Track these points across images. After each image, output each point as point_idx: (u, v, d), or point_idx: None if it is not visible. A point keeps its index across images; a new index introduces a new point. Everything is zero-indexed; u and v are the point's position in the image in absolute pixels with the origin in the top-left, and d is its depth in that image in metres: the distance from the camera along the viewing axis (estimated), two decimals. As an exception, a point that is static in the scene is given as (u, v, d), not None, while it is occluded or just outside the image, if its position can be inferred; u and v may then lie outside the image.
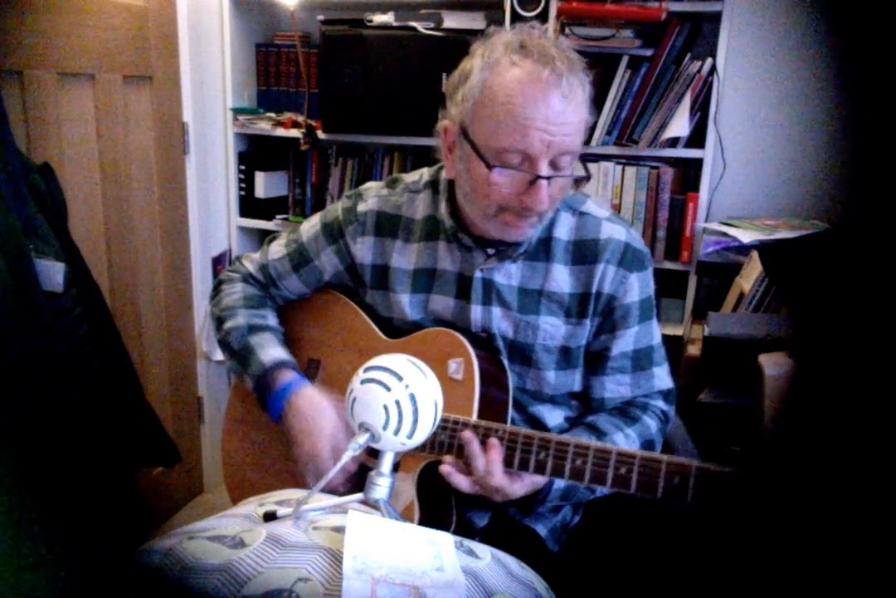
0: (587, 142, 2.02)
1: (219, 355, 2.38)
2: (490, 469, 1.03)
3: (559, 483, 1.10)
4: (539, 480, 1.06)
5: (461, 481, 1.05)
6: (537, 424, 1.21)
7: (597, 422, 1.17)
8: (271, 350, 1.23)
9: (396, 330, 1.24)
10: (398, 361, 0.83)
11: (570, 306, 1.16)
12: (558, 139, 0.99)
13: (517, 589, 0.77)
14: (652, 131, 2.00)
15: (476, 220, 1.13)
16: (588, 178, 1.08)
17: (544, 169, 1.01)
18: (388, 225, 1.24)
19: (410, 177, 1.27)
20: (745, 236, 1.84)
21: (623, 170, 2.06)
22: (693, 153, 2.02)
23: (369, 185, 1.30)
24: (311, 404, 1.18)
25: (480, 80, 1.02)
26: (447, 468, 1.05)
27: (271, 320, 1.31)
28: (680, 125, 1.96)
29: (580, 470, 1.00)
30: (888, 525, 0.60)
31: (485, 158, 1.03)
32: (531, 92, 0.98)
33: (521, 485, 1.05)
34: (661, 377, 1.22)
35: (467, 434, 1.05)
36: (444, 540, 0.78)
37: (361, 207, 1.25)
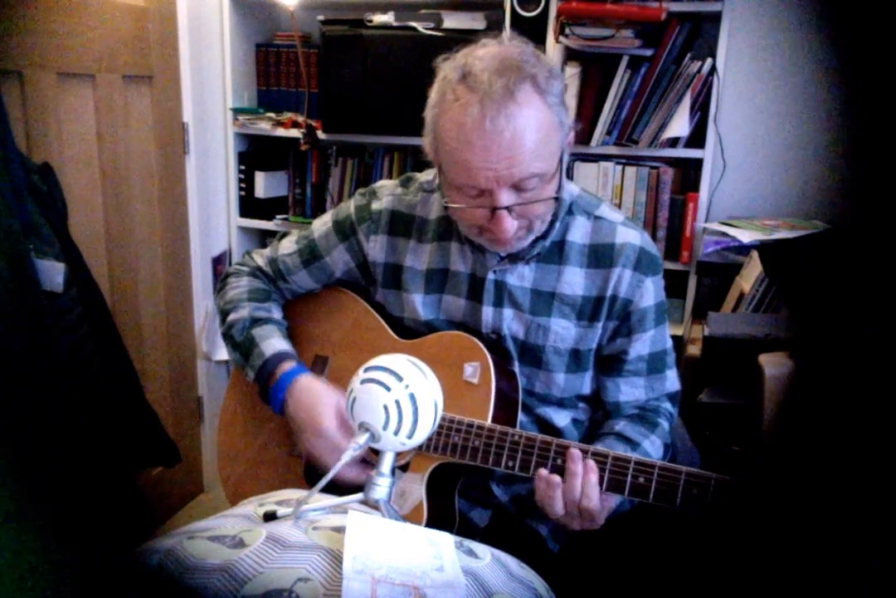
0: (587, 142, 2.03)
1: (219, 355, 2.38)
2: (589, 493, 1.00)
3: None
4: (608, 504, 1.03)
5: (557, 500, 1.01)
6: (545, 425, 1.21)
7: (625, 431, 1.17)
8: (273, 342, 1.24)
9: (407, 330, 1.24)
10: (398, 361, 0.83)
11: (583, 308, 1.17)
12: (506, 172, 0.98)
13: (517, 589, 0.77)
14: (652, 131, 2.00)
15: (469, 237, 1.14)
16: (557, 199, 1.07)
17: (503, 199, 1.00)
18: (401, 224, 1.24)
19: (424, 176, 1.27)
20: (745, 236, 1.84)
21: (623, 170, 2.06)
22: (693, 153, 2.02)
23: (383, 183, 1.30)
24: (310, 388, 1.18)
25: (432, 118, 1.04)
26: (557, 480, 1.01)
27: (275, 313, 1.31)
28: (680, 125, 1.96)
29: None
30: (888, 525, 0.60)
31: (443, 193, 1.05)
32: (464, 135, 0.97)
33: (606, 512, 1.03)
34: (672, 380, 1.24)
35: (576, 451, 1.02)
36: (444, 540, 0.78)
37: (376, 206, 1.25)
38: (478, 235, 1.10)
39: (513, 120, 0.96)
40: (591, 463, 1.01)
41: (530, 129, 0.97)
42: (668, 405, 1.24)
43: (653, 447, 1.17)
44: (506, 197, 1.00)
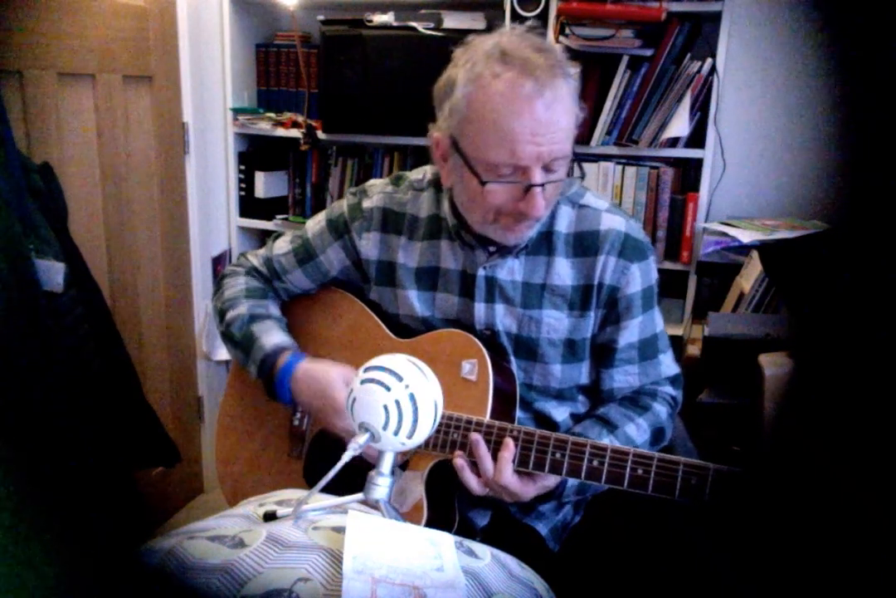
0: (587, 142, 2.03)
1: (219, 355, 2.38)
2: (501, 468, 1.04)
3: (573, 480, 1.10)
4: (550, 483, 1.08)
5: (470, 479, 1.07)
6: (543, 420, 1.22)
7: (608, 414, 1.18)
8: (273, 336, 1.24)
9: (404, 327, 1.25)
10: (398, 361, 0.83)
11: (573, 298, 1.17)
12: (546, 148, 0.99)
13: (517, 589, 0.77)
14: (652, 131, 1.99)
15: (475, 226, 1.13)
16: (583, 177, 1.08)
17: (538, 177, 1.02)
18: (393, 222, 1.24)
19: (414, 175, 1.27)
20: (745, 236, 1.84)
21: (623, 170, 2.06)
22: (693, 153, 2.02)
23: (373, 182, 1.30)
24: (314, 372, 1.19)
25: (465, 94, 1.02)
26: (461, 462, 1.07)
27: (273, 310, 1.31)
28: (680, 125, 1.96)
29: (597, 471, 1.02)
30: (889, 526, 0.60)
31: (477, 173, 1.04)
32: (515, 106, 0.98)
33: (532, 487, 1.07)
34: (668, 364, 1.24)
35: (475, 436, 1.07)
36: (444, 540, 0.78)
37: (367, 204, 1.26)
38: (492, 222, 1.09)
39: (559, 97, 0.99)
40: (507, 441, 1.05)
41: (568, 109, 1.01)
42: (668, 389, 1.23)
43: (637, 431, 1.16)
44: (539, 175, 1.02)
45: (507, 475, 1.04)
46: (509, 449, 1.05)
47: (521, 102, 0.98)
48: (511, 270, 1.17)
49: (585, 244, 1.16)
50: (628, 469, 1.00)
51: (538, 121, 0.98)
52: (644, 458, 1.00)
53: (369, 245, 1.25)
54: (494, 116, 0.99)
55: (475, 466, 1.08)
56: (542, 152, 1.00)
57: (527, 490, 1.06)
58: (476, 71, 1.01)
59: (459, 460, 1.07)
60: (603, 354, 1.21)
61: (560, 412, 1.22)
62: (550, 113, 0.98)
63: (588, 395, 1.26)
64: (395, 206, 1.24)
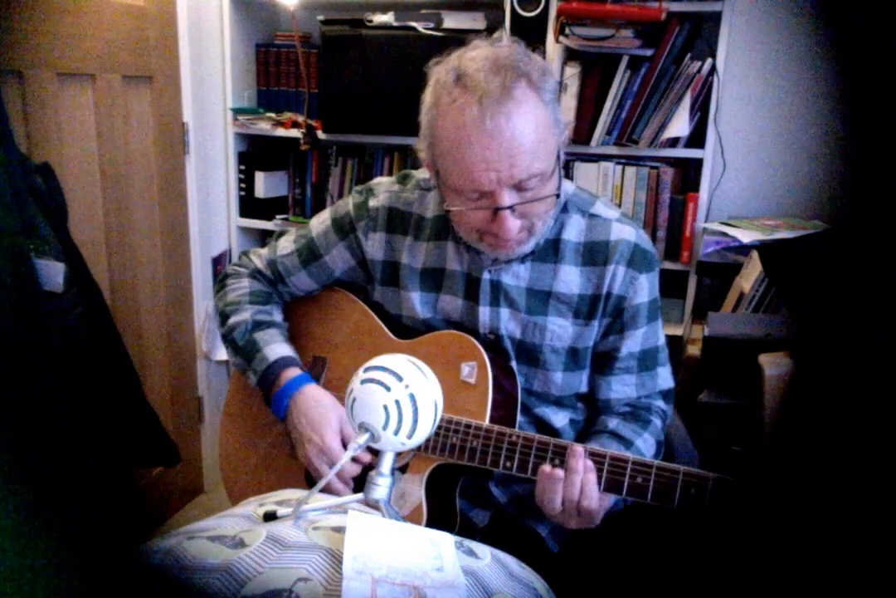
0: (587, 142, 2.03)
1: (219, 355, 2.38)
2: (586, 491, 1.00)
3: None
4: (605, 503, 1.03)
5: (557, 495, 1.01)
6: (543, 425, 1.21)
7: (618, 430, 1.17)
8: (276, 347, 1.23)
9: (405, 329, 1.24)
10: (398, 361, 0.83)
11: (579, 306, 1.16)
12: (506, 173, 0.97)
13: (517, 589, 0.77)
14: (652, 131, 1.99)
15: (468, 242, 1.13)
16: (557, 196, 1.06)
17: (505, 199, 1.00)
18: (399, 222, 1.23)
19: (421, 174, 1.26)
20: (745, 236, 1.84)
21: (623, 170, 2.06)
22: (693, 153, 2.02)
23: (379, 180, 1.29)
24: (315, 400, 1.18)
25: (427, 120, 1.03)
26: (559, 474, 1.01)
27: (277, 315, 1.30)
28: (680, 125, 1.96)
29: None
30: (889, 526, 0.60)
31: (444, 199, 1.04)
32: (465, 136, 0.96)
33: (603, 511, 1.03)
34: (665, 378, 1.24)
35: (578, 448, 1.02)
36: (444, 540, 0.78)
37: (373, 203, 1.25)
38: (478, 241, 1.09)
39: (512, 119, 0.95)
40: (590, 463, 1.01)
41: (529, 128, 0.97)
42: (660, 403, 1.23)
43: (645, 445, 1.17)
44: (507, 197, 1.00)
45: (595, 499, 1.00)
46: (593, 471, 1.00)
47: (470, 131, 0.96)
48: (516, 275, 1.17)
49: (595, 254, 1.15)
50: (627, 477, 1.00)
51: (489, 148, 0.96)
52: (643, 466, 0.99)
53: (375, 246, 1.24)
54: (448, 145, 0.99)
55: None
56: (501, 177, 0.97)
57: (600, 515, 1.02)
58: (435, 96, 1.01)
59: (559, 472, 1.01)
60: (603, 362, 1.21)
61: (560, 418, 1.22)
62: (502, 139, 0.95)
63: (586, 402, 1.25)
64: (401, 205, 1.23)
